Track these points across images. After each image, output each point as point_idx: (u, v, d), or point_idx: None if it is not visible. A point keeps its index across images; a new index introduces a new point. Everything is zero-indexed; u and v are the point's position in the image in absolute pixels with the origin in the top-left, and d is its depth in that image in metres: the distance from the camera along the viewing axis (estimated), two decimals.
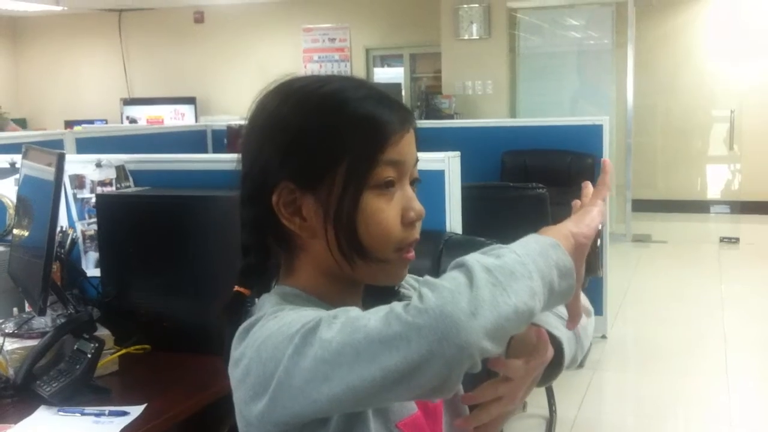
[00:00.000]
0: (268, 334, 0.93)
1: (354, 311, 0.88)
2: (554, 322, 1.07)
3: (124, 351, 2.03)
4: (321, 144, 0.98)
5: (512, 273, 0.84)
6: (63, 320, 1.97)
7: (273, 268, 1.06)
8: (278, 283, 1.06)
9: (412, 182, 1.04)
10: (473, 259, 0.86)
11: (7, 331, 1.97)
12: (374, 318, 0.84)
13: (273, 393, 0.89)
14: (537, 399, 3.49)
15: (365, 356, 0.82)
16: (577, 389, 3.92)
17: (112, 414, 1.71)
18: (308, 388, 0.86)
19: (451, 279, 0.84)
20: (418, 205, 1.02)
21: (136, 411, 1.72)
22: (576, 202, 1.09)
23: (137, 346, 2.08)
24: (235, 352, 0.98)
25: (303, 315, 0.92)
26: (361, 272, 1.01)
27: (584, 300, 1.09)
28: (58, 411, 1.73)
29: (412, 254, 1.03)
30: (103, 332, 1.96)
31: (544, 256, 0.89)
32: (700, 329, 4.90)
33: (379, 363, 0.82)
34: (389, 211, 0.99)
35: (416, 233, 1.03)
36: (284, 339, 0.89)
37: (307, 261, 1.02)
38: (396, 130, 1.00)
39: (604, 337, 4.65)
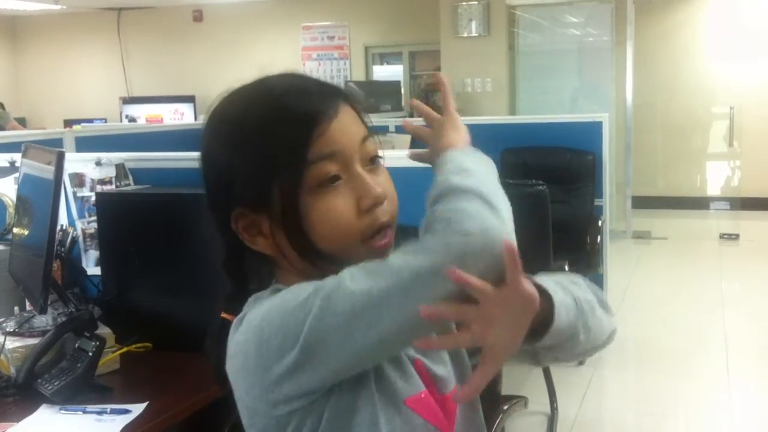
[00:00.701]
0: (269, 307, 0.92)
1: (368, 264, 0.89)
2: (551, 285, 1.00)
3: (125, 349, 2.03)
4: (248, 168, 0.96)
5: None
6: (64, 319, 1.97)
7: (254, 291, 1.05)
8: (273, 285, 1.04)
9: (371, 161, 1.00)
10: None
11: (8, 329, 1.97)
12: (406, 257, 0.87)
13: (301, 357, 0.88)
14: (538, 396, 3.49)
15: (418, 288, 0.85)
16: (578, 387, 3.92)
17: (113, 412, 1.71)
18: (349, 340, 0.86)
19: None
20: (373, 189, 0.97)
21: (137, 409, 1.72)
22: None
23: (138, 345, 2.08)
24: (230, 348, 0.97)
25: (303, 286, 0.91)
26: (336, 272, 0.96)
27: (597, 291, 1.08)
28: (60, 409, 1.73)
29: (385, 241, 0.98)
30: (104, 330, 1.96)
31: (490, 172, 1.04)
32: (701, 327, 4.90)
33: (432, 283, 0.85)
34: (339, 206, 0.95)
35: (381, 217, 0.97)
36: (296, 306, 0.89)
37: (289, 272, 1.00)
38: (318, 119, 0.95)
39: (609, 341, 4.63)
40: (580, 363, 4.22)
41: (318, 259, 0.96)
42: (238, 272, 1.05)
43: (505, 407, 2.21)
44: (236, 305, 1.03)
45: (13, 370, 1.89)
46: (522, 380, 3.75)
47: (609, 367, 4.29)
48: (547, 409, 3.50)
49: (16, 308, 2.12)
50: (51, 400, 1.76)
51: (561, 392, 3.58)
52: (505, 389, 2.12)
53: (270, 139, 0.95)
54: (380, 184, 0.99)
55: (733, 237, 7.32)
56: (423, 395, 1.00)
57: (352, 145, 0.97)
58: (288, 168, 0.93)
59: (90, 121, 7.67)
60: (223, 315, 1.06)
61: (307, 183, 0.94)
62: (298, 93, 0.97)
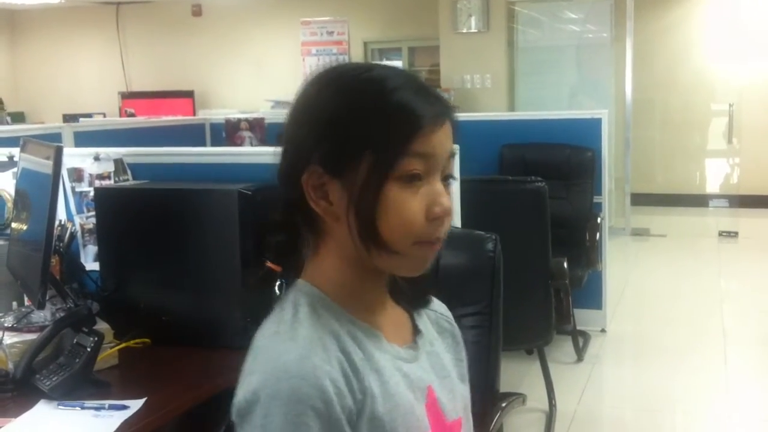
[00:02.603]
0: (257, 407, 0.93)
1: None
2: None
3: (123, 345, 2.03)
4: (350, 131, 0.98)
5: None
6: (62, 314, 1.97)
7: (303, 248, 1.06)
8: (306, 276, 1.05)
9: (446, 178, 1.03)
10: None
11: (6, 325, 1.97)
12: None
13: None
14: (537, 393, 3.50)
15: None
16: (577, 383, 3.92)
17: (111, 408, 1.71)
18: None
19: None
20: (445, 201, 1.00)
21: (135, 405, 1.72)
22: None
23: (137, 340, 2.07)
24: (242, 377, 1.00)
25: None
26: (379, 261, 1.00)
27: None
28: (58, 405, 1.73)
29: (434, 250, 1.01)
30: (102, 326, 1.96)
31: None
32: (699, 323, 4.91)
33: None
34: (412, 204, 0.97)
35: (441, 231, 1.01)
36: None
37: (332, 246, 1.02)
38: (428, 122, 0.99)
39: (603, 331, 4.65)
40: (579, 359, 4.23)
41: (371, 242, 0.98)
42: (291, 225, 1.05)
43: (504, 404, 2.21)
44: (283, 257, 1.05)
45: (11, 366, 1.88)
46: (520, 377, 3.75)
47: (607, 363, 4.30)
48: (546, 405, 3.50)
49: (14, 303, 2.12)
50: (49, 396, 1.75)
51: (559, 389, 3.58)
52: (504, 386, 2.12)
53: (389, 111, 0.98)
54: (449, 201, 1.02)
55: (732, 234, 7.32)
56: None
57: (442, 156, 1.01)
58: (387, 148, 0.97)
59: (89, 115, 7.65)
60: (269, 264, 1.06)
61: (395, 170, 0.96)
62: (418, 90, 1.01)
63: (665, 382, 3.98)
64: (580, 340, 4.36)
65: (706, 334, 4.68)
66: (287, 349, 0.95)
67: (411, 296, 1.12)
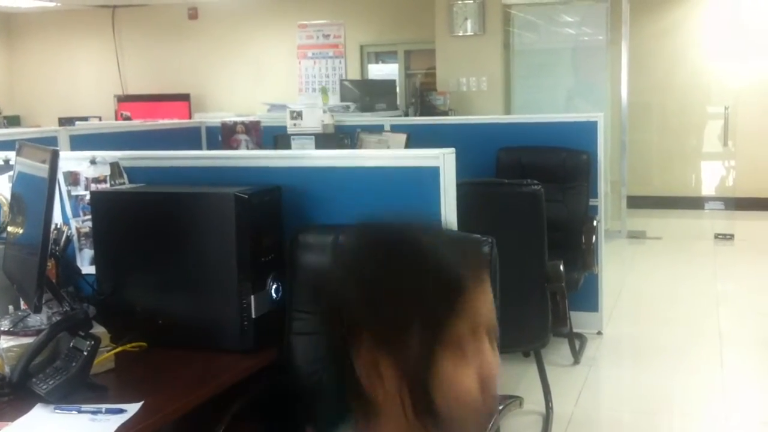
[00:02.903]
0: None
1: None
2: None
3: (120, 348, 2.03)
4: (394, 302, 0.95)
5: None
6: (58, 318, 1.97)
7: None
8: None
9: (488, 332, 1.00)
10: None
11: (2, 329, 1.97)
12: None
13: None
14: (534, 396, 3.50)
15: None
16: (574, 385, 3.92)
17: (108, 412, 1.71)
18: None
19: None
20: (497, 368, 0.98)
21: (132, 408, 1.72)
22: None
23: (133, 344, 2.07)
24: None
25: None
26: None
27: None
28: (55, 409, 1.72)
29: (491, 419, 1.01)
30: (98, 330, 1.96)
31: None
32: (696, 325, 4.91)
33: None
34: (465, 377, 0.95)
35: (496, 403, 1.00)
36: None
37: (384, 421, 0.98)
38: (468, 284, 0.97)
39: (599, 333, 4.65)
40: (576, 362, 4.23)
41: (426, 415, 0.95)
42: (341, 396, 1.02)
43: (501, 407, 2.21)
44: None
45: (7, 370, 1.88)
46: (517, 380, 3.75)
47: (604, 366, 4.30)
48: (543, 408, 3.50)
49: (10, 307, 2.11)
50: (45, 400, 1.75)
51: (556, 391, 3.58)
52: (500, 389, 2.12)
53: (431, 279, 0.95)
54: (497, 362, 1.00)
55: (728, 237, 7.33)
56: None
57: (488, 315, 0.99)
58: (434, 318, 0.94)
59: (84, 119, 7.63)
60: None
61: (445, 340, 0.94)
62: (456, 252, 1.00)
63: (662, 383, 3.98)
64: (577, 343, 4.36)
65: (703, 336, 4.68)
66: None
67: None
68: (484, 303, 0.98)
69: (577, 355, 4.29)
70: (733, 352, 4.38)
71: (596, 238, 4.40)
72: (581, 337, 4.49)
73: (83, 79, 10.99)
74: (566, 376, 4.04)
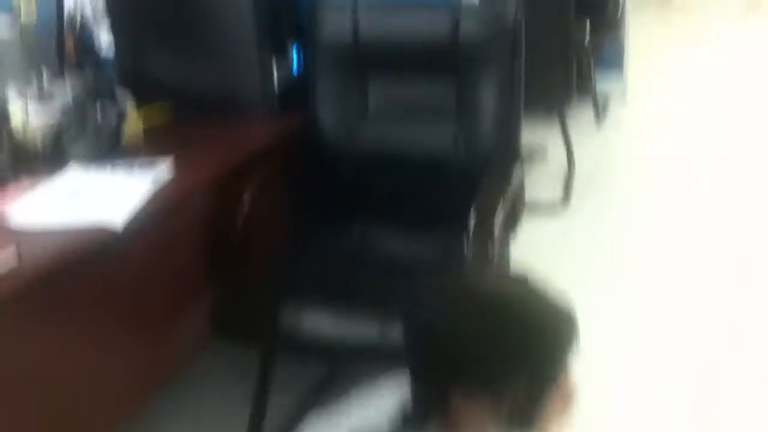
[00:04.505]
0: None
1: None
2: None
3: (147, 114, 2.04)
4: (500, 359, 0.98)
5: None
6: (83, 87, 1.96)
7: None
8: None
9: None
10: None
11: (29, 99, 1.98)
12: None
13: None
14: (556, 155, 3.54)
15: None
16: (596, 146, 3.96)
17: (142, 168, 1.74)
18: None
19: None
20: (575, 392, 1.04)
21: (164, 165, 1.76)
22: None
23: (159, 109, 2.09)
24: None
25: None
26: None
27: None
28: (89, 166, 1.77)
29: None
30: (124, 97, 1.97)
31: None
32: (720, 91, 4.84)
33: None
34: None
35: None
36: None
37: None
38: (573, 347, 1.01)
39: (623, 96, 4.61)
40: (598, 123, 4.24)
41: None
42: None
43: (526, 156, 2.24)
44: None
45: (39, 136, 1.92)
46: (540, 140, 3.74)
47: (627, 127, 4.32)
48: (565, 167, 3.55)
49: (34, 80, 2.11)
50: (79, 160, 1.79)
51: (578, 151, 3.61)
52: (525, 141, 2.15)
53: (542, 338, 1.00)
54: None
55: (758, 6, 7.02)
56: None
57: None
58: (548, 374, 0.99)
59: None
60: None
61: (553, 386, 1.01)
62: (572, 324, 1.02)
63: (684, 143, 4.00)
64: (601, 105, 4.34)
65: (726, 101, 4.63)
66: None
67: None
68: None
69: (600, 115, 4.29)
70: (756, 113, 4.35)
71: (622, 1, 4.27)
72: (605, 99, 4.46)
73: None
74: (589, 136, 4.06)
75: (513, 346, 0.97)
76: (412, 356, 1.04)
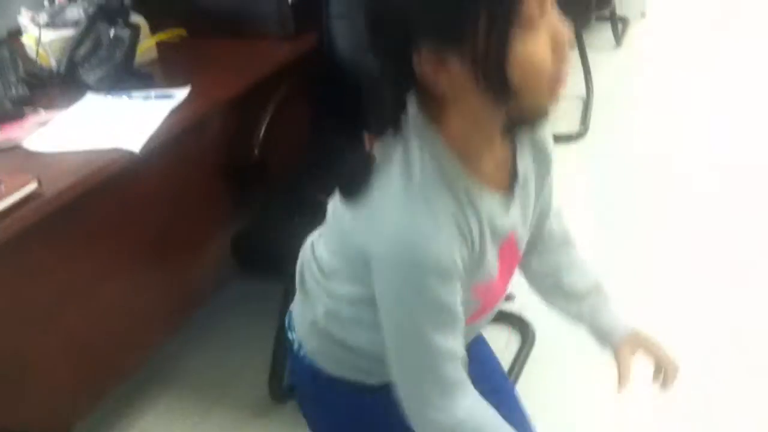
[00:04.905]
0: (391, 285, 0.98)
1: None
2: None
3: (160, 36, 2.02)
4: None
5: None
6: (95, 8, 1.94)
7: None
8: (428, 129, 1.00)
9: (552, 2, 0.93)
10: None
11: (41, 22, 1.95)
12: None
13: None
14: (575, 79, 3.48)
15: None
16: (615, 68, 3.90)
17: (158, 97, 1.74)
18: None
19: None
20: (567, 35, 0.92)
21: (182, 93, 1.75)
22: None
23: (173, 30, 2.06)
24: (367, 230, 0.99)
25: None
26: (514, 113, 0.96)
27: None
28: (106, 95, 1.76)
29: (564, 82, 0.95)
30: (137, 18, 1.94)
31: None
32: (743, 27, 4.72)
33: None
34: (539, 48, 0.89)
35: (567, 66, 0.94)
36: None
37: (455, 112, 0.97)
38: None
39: (643, 15, 4.52)
40: (617, 45, 4.16)
41: (507, 98, 0.92)
42: (399, 101, 0.98)
43: None
44: (385, 131, 1.00)
45: (53, 62, 1.90)
46: None
47: (646, 49, 4.23)
48: (583, 91, 3.50)
49: (45, 1, 2.08)
50: (95, 88, 1.78)
51: (597, 74, 3.56)
52: None
53: None
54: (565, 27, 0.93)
55: None
56: (491, 283, 1.08)
57: None
58: (501, 5, 0.87)
59: None
60: (369, 138, 1.02)
61: (516, 18, 0.87)
62: None
63: (702, 73, 3.92)
64: (619, 25, 4.26)
65: (753, 39, 4.52)
66: (417, 221, 0.94)
67: (527, 124, 1.08)
68: None
69: (618, 37, 4.22)
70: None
71: None
72: (624, 20, 4.37)
73: None
74: (607, 58, 4.00)
75: None
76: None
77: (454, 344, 1.02)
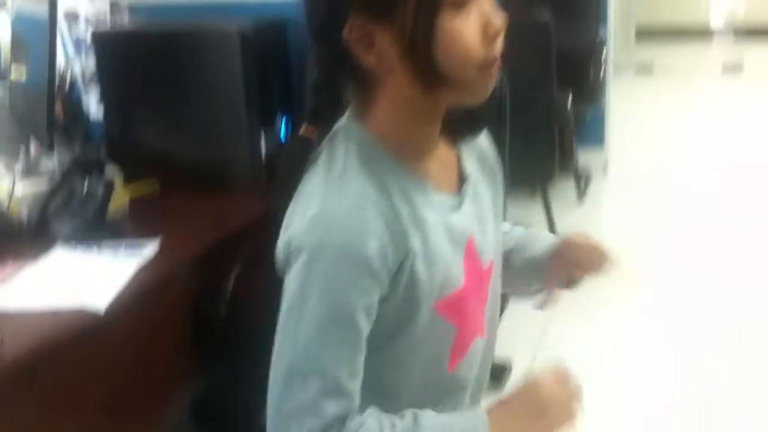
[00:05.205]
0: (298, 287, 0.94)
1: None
2: None
3: (134, 189, 2.04)
4: None
5: None
6: (71, 160, 1.97)
7: (343, 109, 1.03)
8: (356, 120, 1.01)
9: None
10: None
11: (16, 172, 1.97)
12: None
13: None
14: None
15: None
16: (578, 222, 3.99)
17: (128, 248, 1.73)
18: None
19: None
20: (497, 18, 0.95)
21: (151, 245, 1.75)
22: None
23: (146, 184, 2.08)
24: (290, 222, 0.98)
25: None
26: (443, 97, 0.97)
27: None
28: (75, 248, 1.76)
29: (495, 70, 0.97)
30: (111, 170, 1.96)
31: None
32: (703, 161, 4.92)
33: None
34: (467, 29, 0.92)
35: (498, 48, 0.96)
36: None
37: (385, 98, 0.98)
38: None
39: (604, 170, 4.67)
40: (580, 198, 4.27)
41: (434, 79, 0.93)
42: (333, 84, 1.01)
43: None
44: (322, 120, 1.01)
45: (24, 213, 1.90)
46: (524, 217, 3.76)
47: (608, 202, 4.36)
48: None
49: (22, 151, 2.11)
50: (65, 240, 1.78)
51: (561, 227, 3.64)
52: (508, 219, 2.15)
53: None
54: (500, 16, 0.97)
55: (737, 68, 7.22)
56: (457, 294, 1.03)
57: None
58: None
59: None
60: (304, 130, 1.02)
61: (443, 1, 0.91)
62: None
63: (666, 218, 4.03)
64: (582, 180, 4.39)
65: (707, 169, 4.71)
66: (337, 201, 0.93)
67: (465, 127, 1.10)
68: None
69: (582, 192, 4.34)
70: (736, 179, 4.41)
71: (604, 70, 4.34)
72: (587, 174, 4.52)
73: None
74: (571, 213, 4.10)
75: None
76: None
77: (348, 380, 0.93)
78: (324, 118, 1.02)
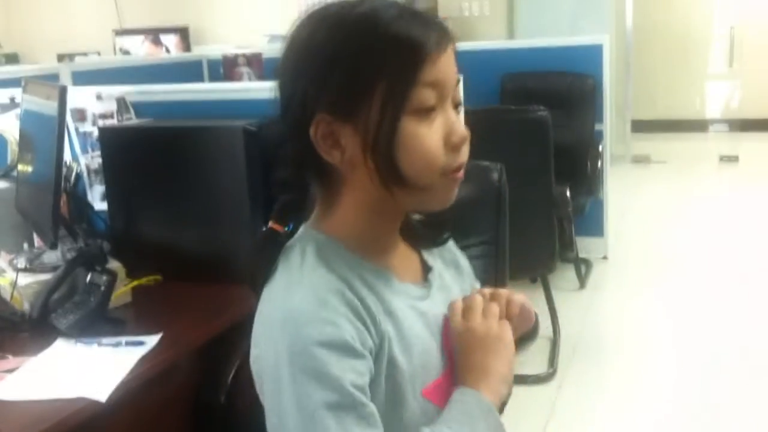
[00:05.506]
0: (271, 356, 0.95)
1: None
2: None
3: (136, 282, 2.05)
4: (354, 69, 0.93)
5: None
6: (74, 254, 1.98)
7: (310, 206, 1.04)
8: (315, 225, 1.03)
9: (456, 106, 0.99)
10: None
11: (19, 266, 1.99)
12: None
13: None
14: (541, 320, 3.53)
15: None
16: (580, 310, 3.98)
17: (128, 344, 1.74)
18: None
19: None
20: (461, 129, 0.97)
21: (152, 340, 1.75)
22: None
23: (149, 277, 2.10)
24: (258, 336, 1.00)
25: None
26: (404, 200, 0.98)
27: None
28: (76, 343, 1.76)
29: (460, 174, 0.99)
30: (114, 264, 1.98)
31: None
32: (700, 248, 4.94)
33: None
34: (431, 136, 0.94)
35: (462, 157, 0.98)
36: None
37: (349, 196, 1.00)
38: (432, 48, 0.94)
39: (605, 258, 4.69)
40: (581, 287, 4.28)
41: (395, 182, 0.95)
42: (300, 181, 1.03)
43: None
44: (289, 216, 1.03)
45: (26, 306, 1.91)
46: None
47: (609, 290, 4.36)
48: (550, 332, 3.56)
49: (25, 245, 2.13)
50: (66, 334, 1.78)
51: (563, 315, 3.64)
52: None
53: (392, 43, 0.93)
54: (464, 127, 0.99)
55: (733, 159, 7.32)
56: (439, 381, 1.04)
57: (452, 83, 0.98)
58: (397, 81, 0.93)
59: (84, 54, 7.55)
60: (272, 225, 1.04)
61: (408, 104, 0.93)
62: (415, 18, 0.96)
63: (666, 307, 4.03)
64: (583, 268, 4.41)
65: (709, 258, 4.72)
66: (300, 299, 0.93)
67: (428, 235, 1.11)
68: (448, 71, 0.97)
69: (583, 279, 4.34)
70: (739, 272, 4.41)
71: (601, 162, 4.41)
72: (587, 262, 4.53)
73: (79, 13, 10.82)
74: (572, 300, 4.09)
75: (366, 59, 0.93)
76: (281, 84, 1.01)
77: None
78: (290, 216, 1.04)
